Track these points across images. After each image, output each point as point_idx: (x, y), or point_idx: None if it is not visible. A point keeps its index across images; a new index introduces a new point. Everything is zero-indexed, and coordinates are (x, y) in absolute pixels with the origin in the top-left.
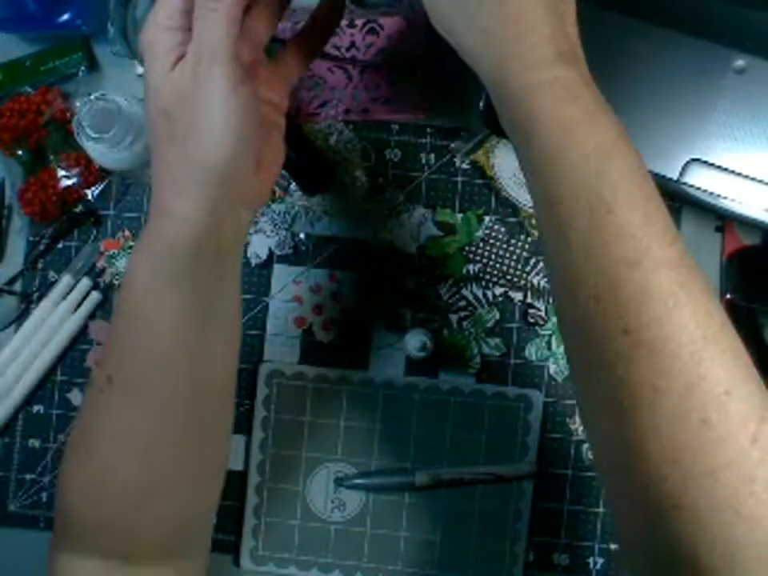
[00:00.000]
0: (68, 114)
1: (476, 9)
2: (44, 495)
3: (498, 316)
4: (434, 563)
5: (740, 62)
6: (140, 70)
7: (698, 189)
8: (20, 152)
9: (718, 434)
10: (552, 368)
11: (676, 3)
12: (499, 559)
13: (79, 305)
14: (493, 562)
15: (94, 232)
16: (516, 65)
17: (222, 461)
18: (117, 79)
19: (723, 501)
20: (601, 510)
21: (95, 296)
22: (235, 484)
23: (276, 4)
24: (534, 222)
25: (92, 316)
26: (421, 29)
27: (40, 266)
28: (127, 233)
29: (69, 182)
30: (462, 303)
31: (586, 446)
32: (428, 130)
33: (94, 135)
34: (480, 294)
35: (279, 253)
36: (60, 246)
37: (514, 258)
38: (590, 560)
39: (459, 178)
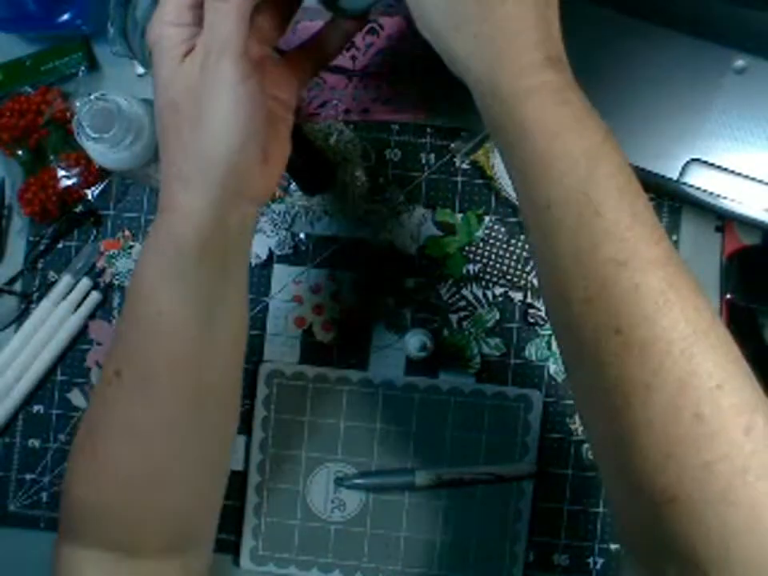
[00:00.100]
0: (68, 114)
1: (465, 15)
2: (44, 495)
3: (497, 316)
4: (433, 563)
5: (740, 62)
6: (140, 69)
7: (698, 189)
8: (20, 152)
9: (712, 428)
10: (552, 368)
11: (676, 3)
12: (499, 559)
13: (79, 305)
14: (493, 562)
15: (94, 232)
16: (506, 70)
17: (225, 459)
18: (117, 79)
19: (718, 492)
20: (601, 510)
21: (95, 296)
22: (235, 484)
23: (287, 3)
24: None
25: (92, 316)
26: None
27: (40, 265)
28: (127, 233)
29: (69, 182)
30: (462, 303)
31: (586, 446)
32: (428, 129)
33: (93, 135)
34: (480, 293)
35: (279, 253)
36: (60, 246)
37: (514, 258)
38: (590, 560)
39: (459, 178)
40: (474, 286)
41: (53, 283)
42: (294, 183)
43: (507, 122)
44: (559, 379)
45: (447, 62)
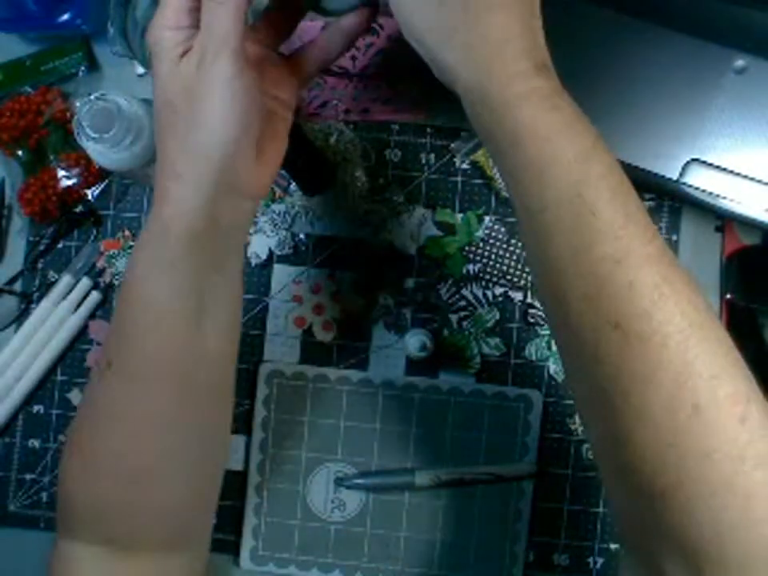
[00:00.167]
0: (68, 114)
1: (453, 25)
2: (44, 495)
3: (497, 316)
4: (433, 563)
5: (740, 62)
6: (140, 69)
7: (698, 189)
8: (20, 152)
9: (709, 418)
10: (552, 368)
11: (676, 3)
12: (499, 559)
13: (79, 305)
14: (493, 562)
15: (94, 232)
16: (495, 78)
17: (219, 455)
18: (117, 79)
19: (715, 482)
20: (601, 510)
21: (95, 296)
22: (235, 484)
23: (290, 8)
24: None
25: (92, 316)
26: None
27: (40, 265)
28: (127, 233)
29: (69, 182)
30: (462, 303)
31: (586, 445)
32: (428, 130)
33: (93, 135)
34: (480, 294)
35: (279, 253)
36: (60, 246)
37: (514, 257)
38: (590, 560)
39: (459, 178)
40: (473, 286)
41: (53, 283)
42: (294, 183)
43: (498, 130)
44: (559, 379)
45: (436, 71)
